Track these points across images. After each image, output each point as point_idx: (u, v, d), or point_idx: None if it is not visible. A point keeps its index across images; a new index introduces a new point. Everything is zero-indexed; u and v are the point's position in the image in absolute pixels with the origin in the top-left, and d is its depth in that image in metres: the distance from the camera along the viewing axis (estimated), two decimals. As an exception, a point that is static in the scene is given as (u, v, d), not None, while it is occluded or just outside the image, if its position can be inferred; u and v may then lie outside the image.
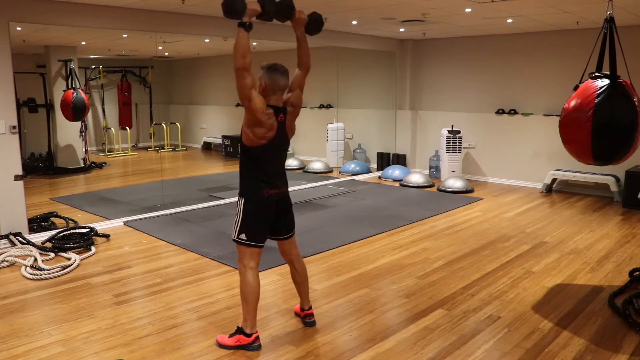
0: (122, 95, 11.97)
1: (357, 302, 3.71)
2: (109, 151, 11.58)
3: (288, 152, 3.32)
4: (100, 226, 5.59)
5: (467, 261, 4.61)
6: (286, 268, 4.00)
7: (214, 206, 6.70)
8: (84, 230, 5.23)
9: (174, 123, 12.73)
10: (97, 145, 11.91)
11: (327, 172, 9.41)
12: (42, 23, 5.32)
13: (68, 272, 4.27)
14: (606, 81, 3.41)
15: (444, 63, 8.94)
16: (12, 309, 3.58)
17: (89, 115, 11.13)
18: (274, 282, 4.10)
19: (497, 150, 8.45)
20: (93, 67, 11.61)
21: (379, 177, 8.87)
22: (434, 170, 8.91)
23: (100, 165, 9.96)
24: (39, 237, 5.06)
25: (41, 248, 4.74)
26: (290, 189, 3.25)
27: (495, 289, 3.97)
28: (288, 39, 7.55)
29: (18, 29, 6.34)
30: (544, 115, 7.80)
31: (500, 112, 8.32)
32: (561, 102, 4.25)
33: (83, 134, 9.54)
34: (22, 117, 8.69)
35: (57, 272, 4.23)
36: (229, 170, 10.08)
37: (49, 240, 4.94)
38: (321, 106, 10.42)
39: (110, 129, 11.94)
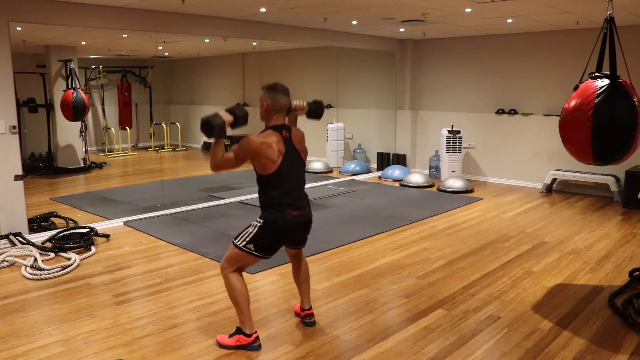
0: (122, 95, 11.96)
1: (357, 302, 3.71)
2: (109, 151, 11.57)
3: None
4: (100, 226, 5.60)
5: (467, 261, 4.61)
6: (286, 268, 4.02)
7: (214, 206, 6.70)
8: (84, 230, 5.23)
9: (174, 123, 12.72)
10: (97, 145, 11.90)
11: (327, 172, 9.41)
12: (42, 23, 5.32)
13: (68, 272, 4.28)
14: (606, 81, 3.41)
15: (444, 63, 8.94)
16: (12, 309, 3.58)
17: (89, 115, 11.12)
18: (274, 282, 4.10)
19: (497, 150, 8.45)
20: (93, 67, 11.60)
21: (379, 177, 8.87)
22: (434, 170, 8.91)
23: (100, 165, 9.95)
24: (39, 237, 5.06)
25: (41, 248, 4.74)
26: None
27: (495, 289, 3.97)
28: (288, 39, 7.60)
29: (18, 29, 6.34)
30: (544, 115, 7.80)
31: (500, 112, 8.32)
32: (561, 102, 4.24)
33: (83, 134, 9.54)
34: (22, 117, 8.69)
35: (57, 272, 4.23)
36: (229, 170, 10.05)
37: (49, 240, 4.95)
38: (321, 106, 10.41)
39: (110, 129, 11.93)
